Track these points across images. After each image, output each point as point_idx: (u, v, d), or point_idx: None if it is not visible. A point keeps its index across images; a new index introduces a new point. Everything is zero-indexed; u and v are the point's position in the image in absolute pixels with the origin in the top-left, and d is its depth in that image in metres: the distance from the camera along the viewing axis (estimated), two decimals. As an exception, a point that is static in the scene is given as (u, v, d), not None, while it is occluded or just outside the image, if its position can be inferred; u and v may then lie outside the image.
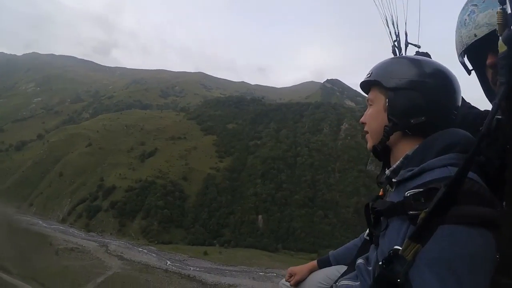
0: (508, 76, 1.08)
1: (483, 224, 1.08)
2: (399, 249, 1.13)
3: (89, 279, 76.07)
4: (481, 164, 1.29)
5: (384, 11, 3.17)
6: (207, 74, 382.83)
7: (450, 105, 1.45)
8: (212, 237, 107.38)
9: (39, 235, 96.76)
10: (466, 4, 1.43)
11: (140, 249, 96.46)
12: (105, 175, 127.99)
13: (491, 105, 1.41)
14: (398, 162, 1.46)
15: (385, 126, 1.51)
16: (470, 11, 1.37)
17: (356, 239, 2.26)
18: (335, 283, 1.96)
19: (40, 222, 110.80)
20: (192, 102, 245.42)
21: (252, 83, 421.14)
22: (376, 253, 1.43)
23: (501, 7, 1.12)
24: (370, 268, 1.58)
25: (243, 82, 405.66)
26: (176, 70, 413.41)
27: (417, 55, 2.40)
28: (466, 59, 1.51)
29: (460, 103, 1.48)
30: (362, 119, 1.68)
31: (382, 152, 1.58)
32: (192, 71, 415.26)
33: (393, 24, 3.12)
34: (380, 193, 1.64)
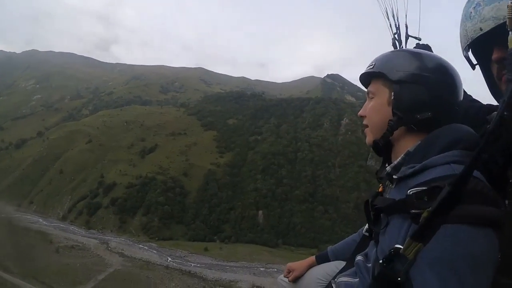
0: None
1: (487, 224, 1.06)
2: (400, 247, 1.11)
3: (90, 276, 76.12)
4: (484, 161, 1.25)
5: (384, 3, 3.17)
6: (207, 70, 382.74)
7: (454, 100, 1.42)
8: (213, 233, 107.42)
9: (40, 233, 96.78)
10: None
11: (140, 246, 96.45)
12: (105, 172, 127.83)
13: (494, 100, 1.47)
14: (399, 158, 1.42)
15: (390, 120, 1.46)
16: (476, 4, 1.33)
17: (354, 234, 2.25)
18: (333, 279, 1.94)
19: (41, 220, 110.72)
20: (192, 97, 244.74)
21: (252, 78, 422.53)
22: (376, 250, 1.40)
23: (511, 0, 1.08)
24: (369, 265, 1.56)
25: (243, 77, 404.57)
26: (176, 66, 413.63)
27: (418, 47, 2.50)
28: (470, 53, 1.47)
29: (461, 98, 1.46)
30: (361, 112, 1.63)
31: (383, 147, 1.53)
32: (192, 67, 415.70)
33: (393, 16, 3.10)
34: (380, 189, 1.60)
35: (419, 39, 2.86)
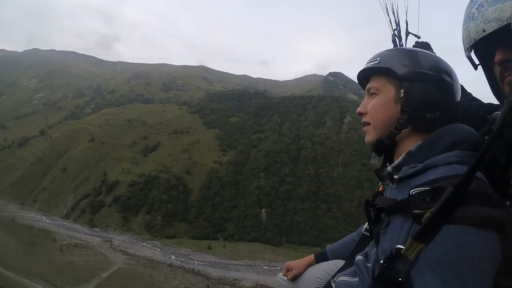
0: None
1: (489, 225, 1.05)
2: (402, 248, 1.10)
3: (94, 274, 75.98)
4: (485, 162, 1.22)
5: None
6: (208, 68, 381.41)
7: (455, 101, 1.44)
8: (216, 231, 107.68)
9: (43, 231, 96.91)
10: None
11: (144, 244, 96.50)
12: (108, 170, 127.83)
13: (496, 100, 1.47)
14: (401, 158, 1.40)
15: (399, 118, 1.42)
16: (479, 4, 1.31)
17: (353, 233, 2.25)
18: (332, 278, 1.93)
19: (44, 218, 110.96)
20: (194, 95, 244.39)
21: (254, 76, 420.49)
22: (376, 250, 1.36)
23: None
24: (369, 265, 1.54)
25: (245, 75, 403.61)
26: (178, 64, 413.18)
27: (417, 45, 2.54)
28: (473, 54, 1.45)
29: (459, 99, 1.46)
30: (360, 110, 1.58)
31: (387, 146, 1.49)
32: (194, 64, 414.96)
33: (393, 12, 3.08)
34: (380, 189, 1.60)
35: (418, 37, 2.86)
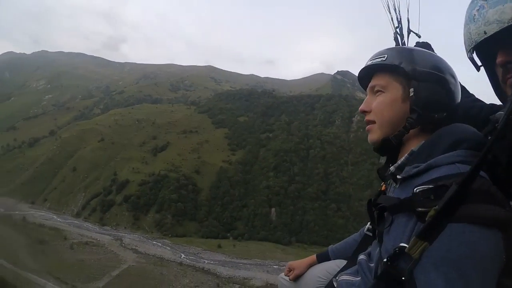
0: None
1: (493, 224, 1.04)
2: (405, 246, 1.10)
3: (104, 272, 76.26)
4: (488, 162, 1.20)
5: None
6: (216, 68, 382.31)
7: (458, 103, 1.45)
8: (226, 230, 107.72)
9: (54, 230, 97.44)
10: None
11: (154, 242, 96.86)
12: (118, 170, 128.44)
13: (498, 101, 1.46)
14: (403, 158, 1.38)
15: (409, 117, 1.40)
16: (480, 6, 1.30)
17: (355, 234, 2.22)
18: (334, 277, 1.91)
19: (55, 217, 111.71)
20: (202, 95, 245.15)
21: (262, 75, 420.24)
22: (379, 249, 1.34)
23: None
24: (372, 265, 1.51)
25: (252, 74, 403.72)
26: (185, 64, 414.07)
27: (418, 45, 2.52)
28: (475, 55, 1.44)
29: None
30: (364, 107, 1.55)
31: (393, 146, 1.46)
32: (201, 65, 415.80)
33: (394, 10, 3.05)
34: (382, 188, 1.59)
35: (419, 36, 2.82)
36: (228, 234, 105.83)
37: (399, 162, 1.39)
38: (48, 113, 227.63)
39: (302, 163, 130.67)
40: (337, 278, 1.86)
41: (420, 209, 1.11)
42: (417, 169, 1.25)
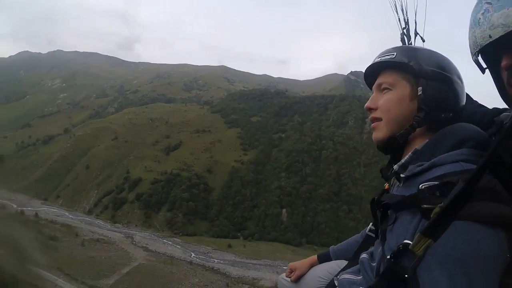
0: None
1: (499, 222, 1.04)
2: (409, 243, 1.09)
3: (114, 269, 76.37)
4: (492, 162, 1.19)
5: None
6: (229, 68, 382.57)
7: (463, 105, 1.46)
8: (236, 229, 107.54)
9: (66, 226, 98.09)
10: (480, 1, 1.34)
11: (165, 240, 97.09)
12: (131, 168, 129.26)
13: (504, 104, 1.45)
14: (407, 157, 1.39)
15: (416, 116, 1.41)
16: (485, 10, 1.28)
17: (357, 234, 2.22)
18: (336, 276, 1.91)
19: (67, 213, 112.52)
20: (215, 95, 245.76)
21: (275, 75, 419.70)
22: (382, 248, 1.33)
23: None
24: (374, 264, 1.51)
25: (265, 75, 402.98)
26: (199, 64, 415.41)
27: None
28: (480, 58, 1.41)
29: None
30: (370, 104, 1.54)
31: (398, 144, 1.47)
32: (215, 65, 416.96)
33: (402, 10, 2.98)
34: (386, 187, 1.58)
35: (423, 40, 2.81)
36: (239, 234, 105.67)
37: (402, 160, 1.39)
38: (63, 111, 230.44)
39: (314, 164, 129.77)
40: (338, 277, 1.86)
41: (425, 206, 1.11)
42: (421, 167, 1.25)
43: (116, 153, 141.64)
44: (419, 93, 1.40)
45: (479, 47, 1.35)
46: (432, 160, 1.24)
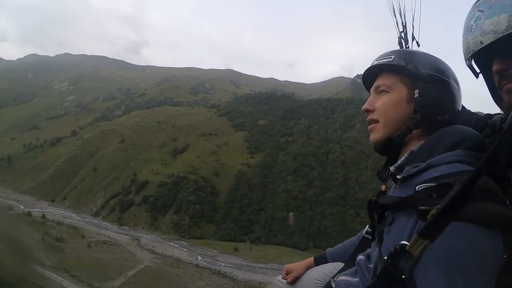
0: None
1: (495, 223, 1.05)
2: (406, 244, 1.10)
3: (121, 272, 76.47)
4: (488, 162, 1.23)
5: (391, 0, 3.21)
6: (236, 71, 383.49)
7: (459, 108, 1.50)
8: (243, 233, 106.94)
9: (72, 228, 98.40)
10: (472, 9, 1.41)
11: (171, 243, 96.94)
12: (138, 170, 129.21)
13: (497, 107, 1.52)
14: (403, 158, 1.41)
15: (413, 118, 1.44)
16: (476, 17, 1.37)
17: (354, 237, 2.22)
18: (332, 278, 1.92)
19: (74, 215, 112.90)
20: (222, 99, 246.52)
21: (281, 79, 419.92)
22: (379, 249, 1.34)
23: None
24: (371, 265, 1.52)
25: (272, 78, 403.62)
26: (205, 68, 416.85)
27: None
28: (473, 63, 1.50)
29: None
30: (368, 106, 1.56)
31: (395, 146, 1.50)
32: (221, 68, 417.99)
33: (400, 14, 3.15)
34: (382, 189, 1.63)
35: (418, 45, 2.93)
36: (245, 238, 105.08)
37: (399, 162, 1.41)
38: (70, 114, 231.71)
39: (321, 168, 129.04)
40: (335, 279, 1.87)
41: (422, 207, 1.12)
42: (417, 168, 1.27)
43: (123, 155, 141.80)
44: (416, 96, 1.43)
45: (471, 52, 1.42)
46: (428, 161, 1.25)
